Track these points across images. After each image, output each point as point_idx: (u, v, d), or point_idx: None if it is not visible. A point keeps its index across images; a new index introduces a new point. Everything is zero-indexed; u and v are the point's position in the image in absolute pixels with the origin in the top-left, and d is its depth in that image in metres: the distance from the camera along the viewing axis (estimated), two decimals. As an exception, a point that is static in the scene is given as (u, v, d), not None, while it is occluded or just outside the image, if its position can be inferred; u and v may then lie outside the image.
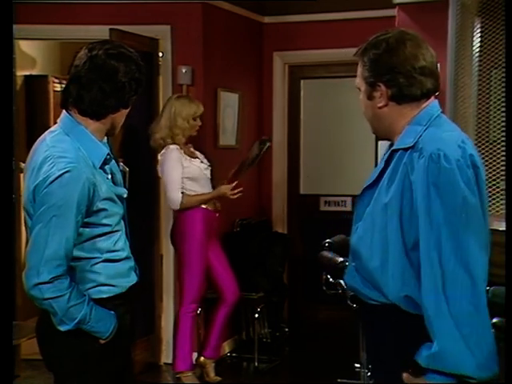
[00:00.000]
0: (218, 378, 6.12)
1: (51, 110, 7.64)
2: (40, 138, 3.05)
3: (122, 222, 3.15)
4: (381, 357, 2.70)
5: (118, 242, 3.09)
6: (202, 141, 6.20)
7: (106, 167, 3.06)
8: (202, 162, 5.97)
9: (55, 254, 2.87)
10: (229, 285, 6.08)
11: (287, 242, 7.38)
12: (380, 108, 2.72)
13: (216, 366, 6.18)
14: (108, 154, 3.04)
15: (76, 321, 2.93)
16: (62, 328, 2.95)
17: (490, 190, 5.13)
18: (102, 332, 2.99)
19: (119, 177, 3.20)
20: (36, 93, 7.68)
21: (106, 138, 3.15)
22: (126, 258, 3.14)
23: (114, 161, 3.17)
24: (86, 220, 2.93)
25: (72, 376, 3.05)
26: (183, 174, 5.77)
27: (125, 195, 3.16)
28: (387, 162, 2.70)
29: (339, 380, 5.46)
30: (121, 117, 3.09)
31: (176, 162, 5.75)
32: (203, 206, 5.86)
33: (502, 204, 5.03)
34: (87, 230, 2.96)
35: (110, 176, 3.08)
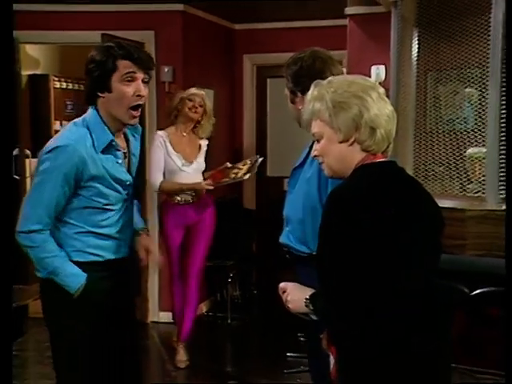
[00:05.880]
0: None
1: (52, 104, 7.57)
2: None
3: (123, 204, 3.09)
4: None
5: (108, 221, 3.04)
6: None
7: (118, 153, 3.03)
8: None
9: (35, 212, 2.92)
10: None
11: (255, 217, 7.45)
12: (300, 109, 2.97)
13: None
14: (113, 141, 2.99)
15: (47, 271, 2.98)
16: (38, 274, 3.03)
17: (426, 173, 5.20)
18: (70, 287, 2.97)
19: (135, 164, 3.16)
20: (39, 90, 7.63)
21: (137, 128, 3.19)
22: (114, 237, 3.08)
23: (136, 148, 3.17)
24: (78, 192, 2.94)
25: (62, 333, 3.08)
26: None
27: (128, 182, 3.08)
28: (311, 147, 2.96)
29: (299, 334, 5.46)
30: (110, 102, 2.96)
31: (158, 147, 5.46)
32: (176, 200, 5.47)
33: (436, 185, 5.10)
34: (76, 200, 2.97)
35: (121, 161, 3.04)
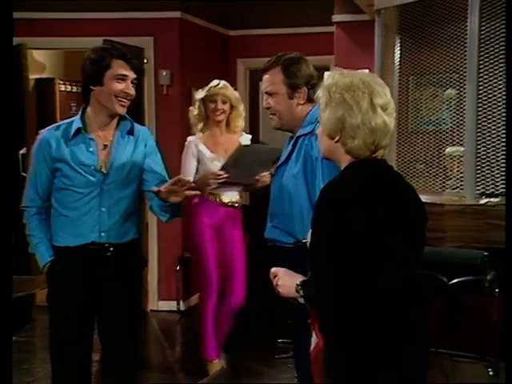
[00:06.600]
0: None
1: (57, 106, 7.56)
2: None
3: (93, 190, 3.11)
4: None
5: (76, 203, 3.11)
6: (177, 134, 6.29)
7: (92, 142, 3.12)
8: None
9: (27, 191, 3.20)
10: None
11: (249, 212, 7.47)
12: (298, 105, 3.03)
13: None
14: (80, 129, 3.12)
15: (31, 247, 3.22)
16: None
17: (408, 170, 5.24)
18: (40, 263, 3.20)
19: (115, 156, 3.16)
20: (45, 92, 7.60)
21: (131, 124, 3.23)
22: (82, 219, 3.12)
23: (119, 142, 3.18)
24: (54, 174, 3.13)
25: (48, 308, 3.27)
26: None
27: (93, 167, 3.11)
28: (293, 146, 3.05)
29: (289, 321, 5.50)
30: (101, 94, 3.09)
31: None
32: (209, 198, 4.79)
33: (418, 181, 5.15)
34: (55, 181, 3.15)
35: (93, 149, 3.12)
